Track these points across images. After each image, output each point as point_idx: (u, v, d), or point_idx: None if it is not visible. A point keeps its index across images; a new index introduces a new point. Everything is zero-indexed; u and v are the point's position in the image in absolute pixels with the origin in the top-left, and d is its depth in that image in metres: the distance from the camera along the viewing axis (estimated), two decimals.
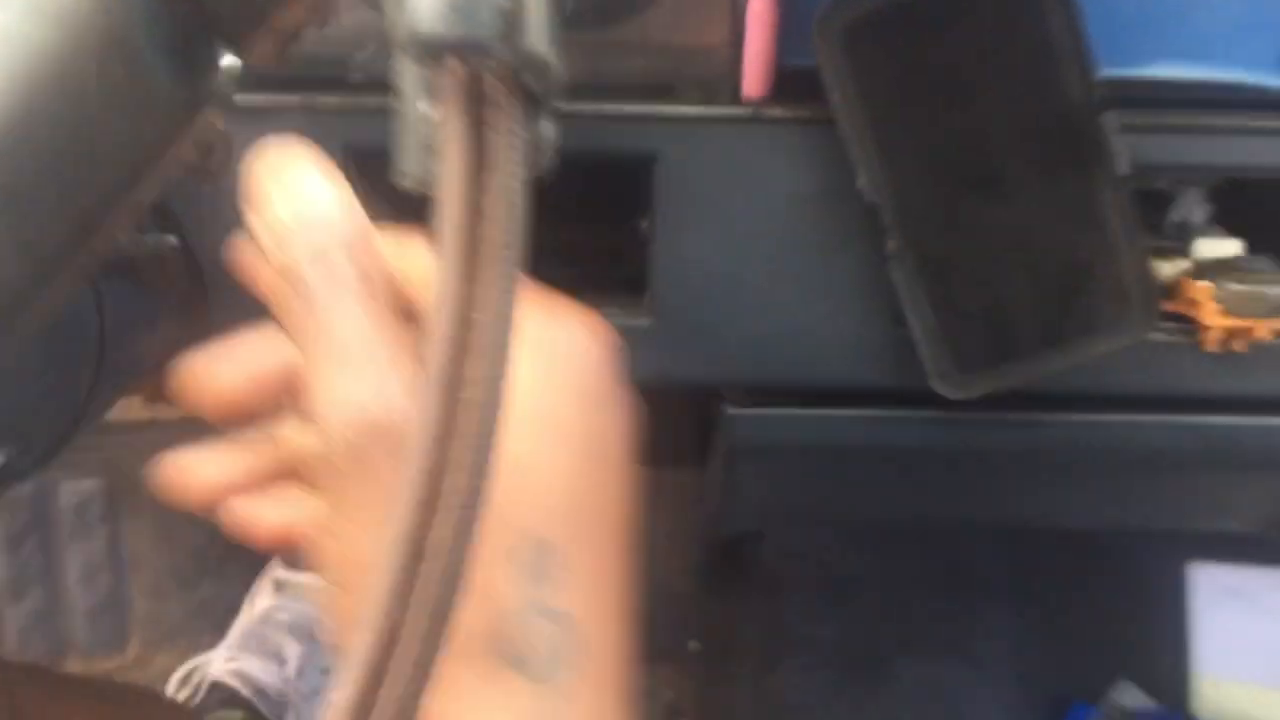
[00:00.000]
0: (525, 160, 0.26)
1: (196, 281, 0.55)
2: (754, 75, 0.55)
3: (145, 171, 0.28)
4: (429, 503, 0.24)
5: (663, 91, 0.55)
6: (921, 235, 0.54)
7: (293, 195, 0.32)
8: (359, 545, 0.31)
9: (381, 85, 0.53)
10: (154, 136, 0.27)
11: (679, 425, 0.69)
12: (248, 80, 0.53)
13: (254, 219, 0.33)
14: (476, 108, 0.25)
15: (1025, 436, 0.59)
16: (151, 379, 0.53)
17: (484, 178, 0.25)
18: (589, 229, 0.62)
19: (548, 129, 0.27)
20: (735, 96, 0.55)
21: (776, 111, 0.55)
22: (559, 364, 0.33)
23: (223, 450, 0.35)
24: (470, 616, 0.28)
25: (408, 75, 0.27)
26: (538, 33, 0.25)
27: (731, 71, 0.56)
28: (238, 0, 0.28)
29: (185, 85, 0.27)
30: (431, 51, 0.24)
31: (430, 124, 0.26)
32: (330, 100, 0.53)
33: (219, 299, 0.56)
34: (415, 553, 0.24)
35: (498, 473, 0.27)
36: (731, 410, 0.60)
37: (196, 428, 0.35)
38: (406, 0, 0.23)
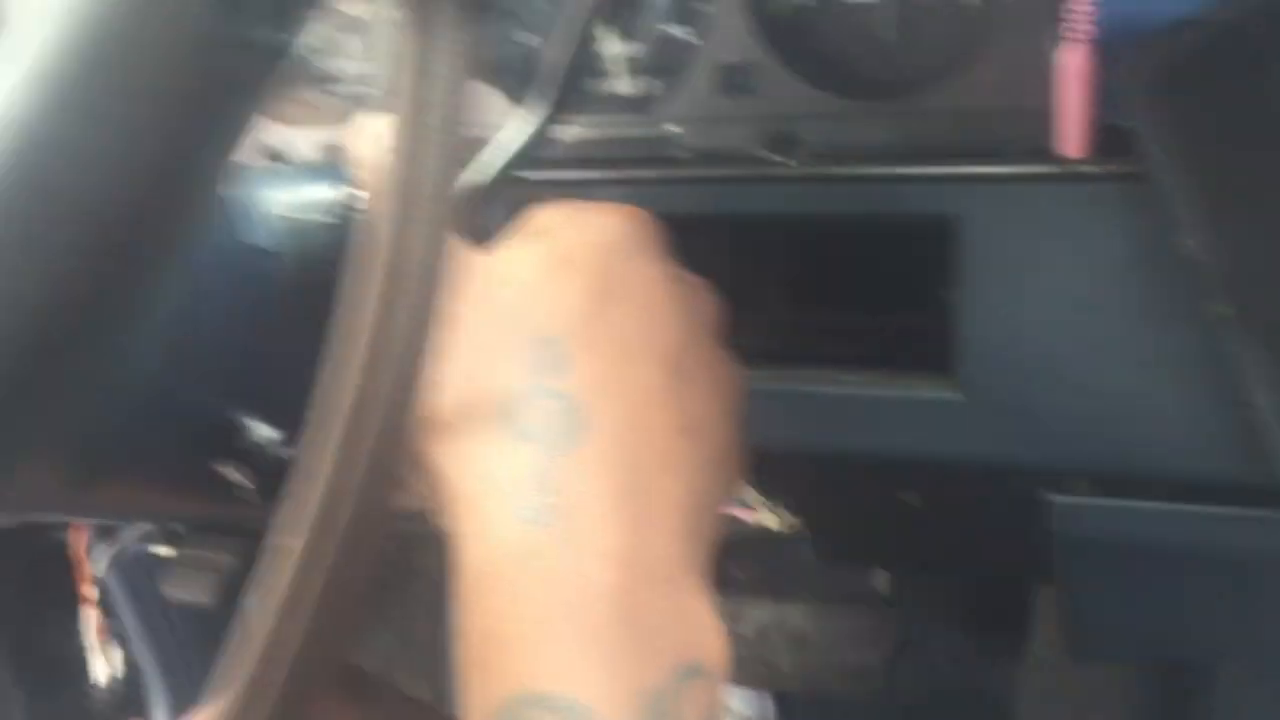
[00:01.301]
0: (461, 56, 0.29)
1: None
2: (1070, 135, 0.52)
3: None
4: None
5: (972, 154, 0.53)
6: (1267, 300, 0.47)
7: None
8: None
9: (694, 160, 0.57)
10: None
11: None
12: (570, 160, 0.59)
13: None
14: (422, 10, 0.29)
15: None
16: None
17: (426, 69, 0.29)
18: (895, 306, 0.60)
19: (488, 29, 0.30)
20: (1054, 160, 0.52)
21: (1092, 168, 0.50)
22: (587, 225, 0.42)
23: None
24: (484, 397, 0.38)
25: None
26: None
27: (1052, 134, 0.52)
28: None
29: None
30: None
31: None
32: (647, 174, 0.57)
33: None
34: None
35: (514, 287, 0.40)
36: (1056, 499, 0.55)
37: None
38: None
